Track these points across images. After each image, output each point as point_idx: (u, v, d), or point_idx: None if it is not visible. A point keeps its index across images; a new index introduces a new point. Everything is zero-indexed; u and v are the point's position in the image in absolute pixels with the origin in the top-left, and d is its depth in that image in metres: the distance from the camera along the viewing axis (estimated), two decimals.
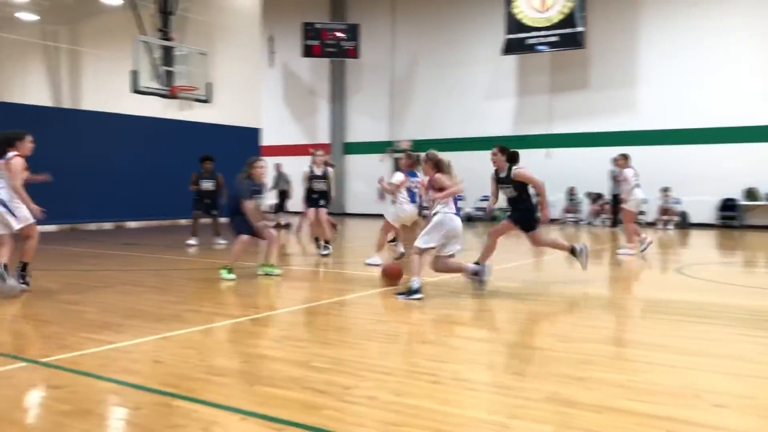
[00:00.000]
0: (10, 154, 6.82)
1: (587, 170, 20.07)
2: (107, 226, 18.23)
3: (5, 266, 6.65)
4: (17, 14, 30.74)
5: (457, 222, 6.77)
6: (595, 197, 20.00)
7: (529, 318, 6.04)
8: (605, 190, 19.30)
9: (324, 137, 25.80)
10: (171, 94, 16.93)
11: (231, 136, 20.60)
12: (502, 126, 22.33)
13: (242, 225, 7.99)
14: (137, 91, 16.25)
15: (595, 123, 20.84)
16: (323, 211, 11.40)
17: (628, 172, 11.47)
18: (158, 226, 18.54)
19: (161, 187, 17.44)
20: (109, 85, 28.65)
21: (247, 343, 4.84)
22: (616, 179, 17.99)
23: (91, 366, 4.20)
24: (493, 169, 8.21)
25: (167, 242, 13.45)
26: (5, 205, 6.72)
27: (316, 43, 24.11)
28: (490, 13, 22.20)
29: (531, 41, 20.65)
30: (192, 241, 12.51)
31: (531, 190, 7.94)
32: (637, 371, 4.16)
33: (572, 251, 8.09)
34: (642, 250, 11.21)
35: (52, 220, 17.19)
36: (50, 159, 17.27)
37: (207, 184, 12.65)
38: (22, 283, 6.88)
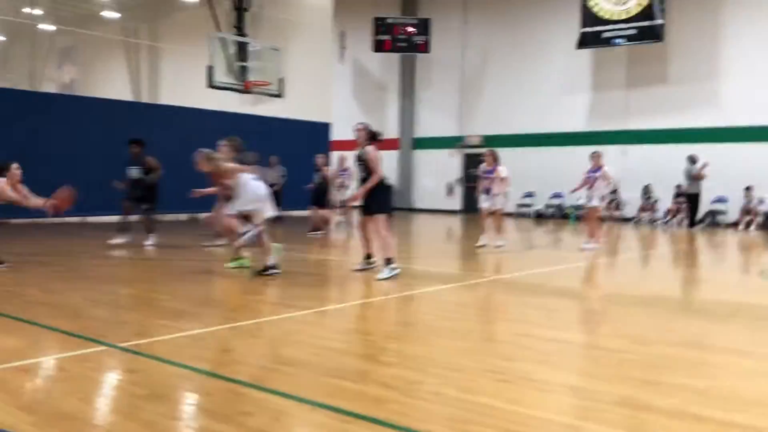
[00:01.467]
0: None
1: (664, 168, 19.37)
2: (182, 217, 18.80)
3: None
4: (102, 12, 32.03)
5: None
6: (676, 195, 19.24)
7: (602, 319, 5.87)
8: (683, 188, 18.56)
9: (393, 132, 25.84)
10: (245, 89, 17.29)
11: (302, 131, 20.90)
12: (575, 122, 21.81)
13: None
14: (213, 86, 16.66)
15: (674, 119, 20.09)
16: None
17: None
18: None
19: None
20: (186, 81, 29.53)
21: (315, 335, 4.89)
22: (695, 177, 17.36)
23: (165, 352, 4.34)
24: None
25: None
26: None
27: (387, 38, 24.15)
28: (564, 7, 21.70)
29: (607, 34, 20.08)
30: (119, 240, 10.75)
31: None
32: (716, 377, 3.98)
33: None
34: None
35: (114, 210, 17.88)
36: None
37: (133, 172, 10.76)
38: None
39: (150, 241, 10.62)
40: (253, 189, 7.65)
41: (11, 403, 3.27)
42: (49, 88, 34.39)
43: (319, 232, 13.50)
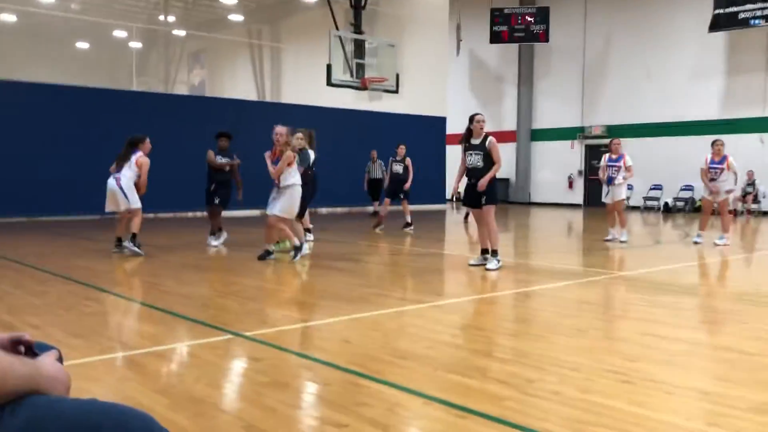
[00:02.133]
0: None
1: None
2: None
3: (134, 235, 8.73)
4: (228, 16, 33.60)
5: None
6: None
7: (735, 319, 5.49)
8: None
9: (511, 124, 25.42)
10: (362, 86, 17.58)
11: (418, 125, 20.99)
12: (707, 109, 20.50)
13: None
14: (332, 84, 17.06)
15: None
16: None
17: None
18: (347, 213, 19.42)
19: (350, 176, 18.23)
20: (306, 79, 30.42)
21: (431, 329, 4.91)
22: None
23: (287, 341, 4.51)
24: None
25: (354, 228, 14.04)
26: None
27: (504, 28, 23.74)
28: None
29: (744, 15, 18.69)
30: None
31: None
32: None
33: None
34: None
35: (250, 205, 18.70)
36: (254, 150, 18.76)
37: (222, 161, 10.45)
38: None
39: (216, 240, 10.38)
40: (296, 192, 8.38)
41: (149, 386, 3.52)
42: (181, 90, 36.56)
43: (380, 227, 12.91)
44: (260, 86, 36.07)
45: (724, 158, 10.49)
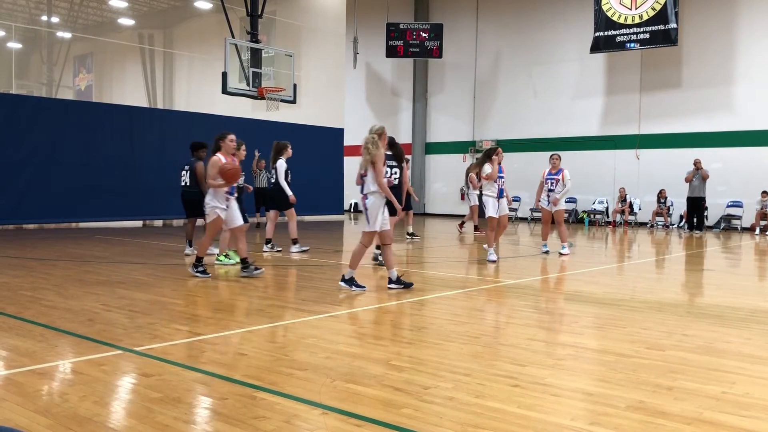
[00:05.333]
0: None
1: (679, 172, 19.29)
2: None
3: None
4: (118, 20, 32.35)
5: None
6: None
7: (615, 324, 5.85)
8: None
9: (406, 137, 25.89)
10: (259, 95, 17.38)
11: (315, 136, 20.98)
12: (588, 126, 21.77)
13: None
14: (227, 92, 16.77)
15: (688, 123, 20.01)
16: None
17: None
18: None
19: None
20: (201, 87, 29.74)
21: (329, 339, 4.91)
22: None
23: (180, 356, 4.38)
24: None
25: (252, 239, 13.83)
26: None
27: (399, 43, 24.23)
28: (576, 11, 21.70)
29: (621, 39, 20.03)
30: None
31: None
32: (732, 383, 3.95)
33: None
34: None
35: (146, 215, 18.05)
36: (145, 158, 18.11)
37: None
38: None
39: (187, 250, 10.81)
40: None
41: (28, 407, 3.32)
42: (66, 95, 34.77)
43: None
44: (152, 93, 34.94)
45: (560, 171, 11.24)
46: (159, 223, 18.75)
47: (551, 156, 11.57)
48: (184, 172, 10.61)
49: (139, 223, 17.95)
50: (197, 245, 8.76)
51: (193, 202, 10.25)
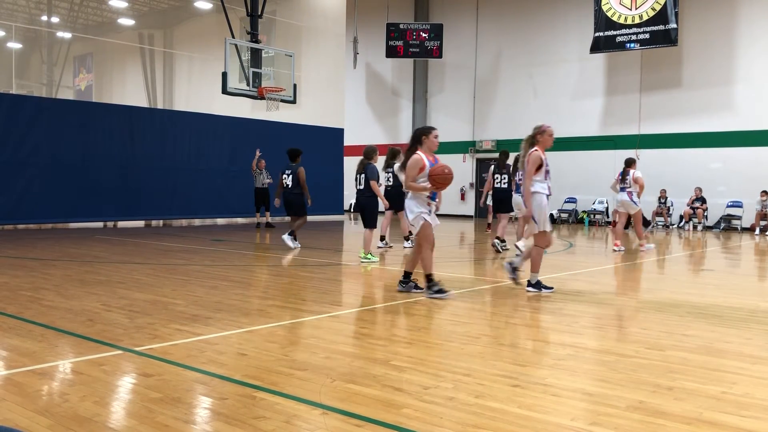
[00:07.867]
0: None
1: (679, 172, 19.30)
2: (196, 222, 18.94)
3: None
4: (118, 20, 32.35)
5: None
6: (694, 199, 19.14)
7: (615, 324, 5.85)
8: (704, 191, 18.45)
9: (406, 137, 25.87)
10: (258, 95, 17.38)
11: (315, 136, 21.00)
12: (588, 126, 21.77)
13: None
14: (227, 93, 16.76)
15: (688, 123, 20.01)
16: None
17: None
18: (246, 224, 19.11)
19: (247, 186, 17.96)
20: (201, 87, 29.73)
21: (329, 339, 4.91)
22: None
23: (180, 356, 4.38)
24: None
25: (252, 239, 13.83)
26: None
27: (399, 43, 24.24)
28: (577, 11, 21.69)
29: (621, 39, 20.04)
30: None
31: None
32: (732, 383, 3.95)
33: None
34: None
35: (146, 215, 18.06)
36: (145, 158, 18.11)
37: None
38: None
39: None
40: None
41: (28, 407, 3.32)
42: (66, 95, 34.76)
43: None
44: (152, 93, 34.94)
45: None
46: (159, 223, 18.76)
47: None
48: (285, 176, 11.66)
49: (139, 223, 17.95)
50: (407, 262, 7.43)
51: (293, 203, 11.58)
